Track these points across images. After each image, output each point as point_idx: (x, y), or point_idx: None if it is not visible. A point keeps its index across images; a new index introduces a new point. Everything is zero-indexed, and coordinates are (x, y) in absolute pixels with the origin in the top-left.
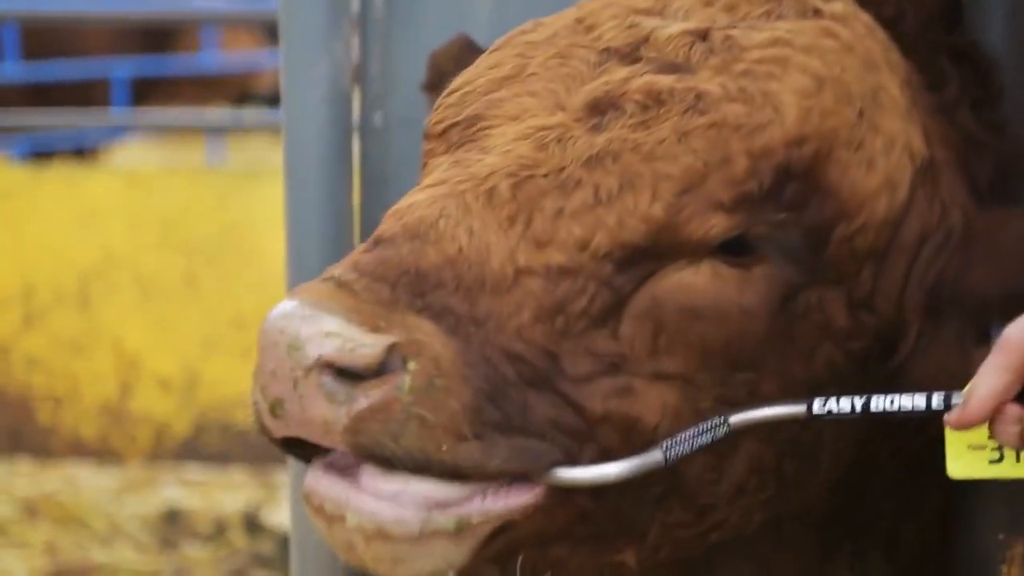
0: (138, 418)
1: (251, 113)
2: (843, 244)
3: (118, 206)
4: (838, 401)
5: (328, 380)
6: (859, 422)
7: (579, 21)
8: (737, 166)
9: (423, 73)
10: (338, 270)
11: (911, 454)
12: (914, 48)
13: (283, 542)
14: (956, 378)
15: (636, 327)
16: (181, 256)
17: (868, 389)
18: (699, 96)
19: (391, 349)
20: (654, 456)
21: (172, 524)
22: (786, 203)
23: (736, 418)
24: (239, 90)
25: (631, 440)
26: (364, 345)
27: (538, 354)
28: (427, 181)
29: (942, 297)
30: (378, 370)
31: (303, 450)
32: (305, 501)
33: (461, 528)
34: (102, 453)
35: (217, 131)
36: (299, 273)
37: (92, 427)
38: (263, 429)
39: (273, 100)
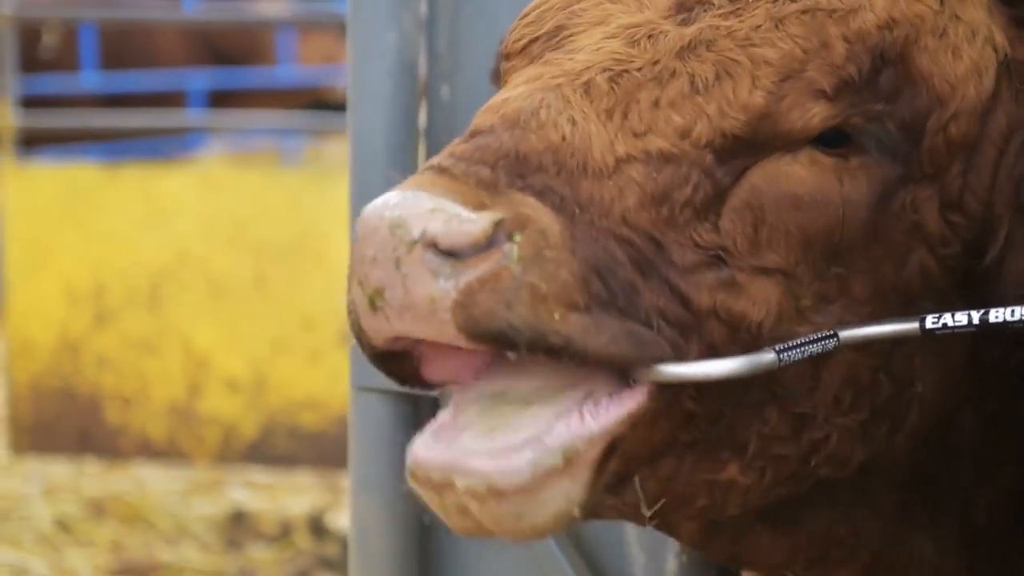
0: (206, 419)
1: (326, 115)
2: (938, 134)
3: (190, 206)
4: (953, 315)
5: (434, 257)
6: (952, 360)
7: None
8: (836, 51)
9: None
10: (435, 160)
11: (992, 417)
12: None
13: (347, 545)
14: None
15: (737, 220)
16: (252, 257)
17: (963, 301)
18: None
19: (497, 224)
20: (767, 357)
21: (238, 525)
22: (883, 92)
23: (846, 333)
24: (314, 101)
25: (737, 337)
26: (470, 220)
27: (644, 239)
28: (518, 80)
29: None
30: (483, 247)
31: (400, 367)
32: (410, 477)
33: (570, 458)
34: (170, 453)
35: (292, 140)
36: None
37: (160, 427)
38: (360, 335)
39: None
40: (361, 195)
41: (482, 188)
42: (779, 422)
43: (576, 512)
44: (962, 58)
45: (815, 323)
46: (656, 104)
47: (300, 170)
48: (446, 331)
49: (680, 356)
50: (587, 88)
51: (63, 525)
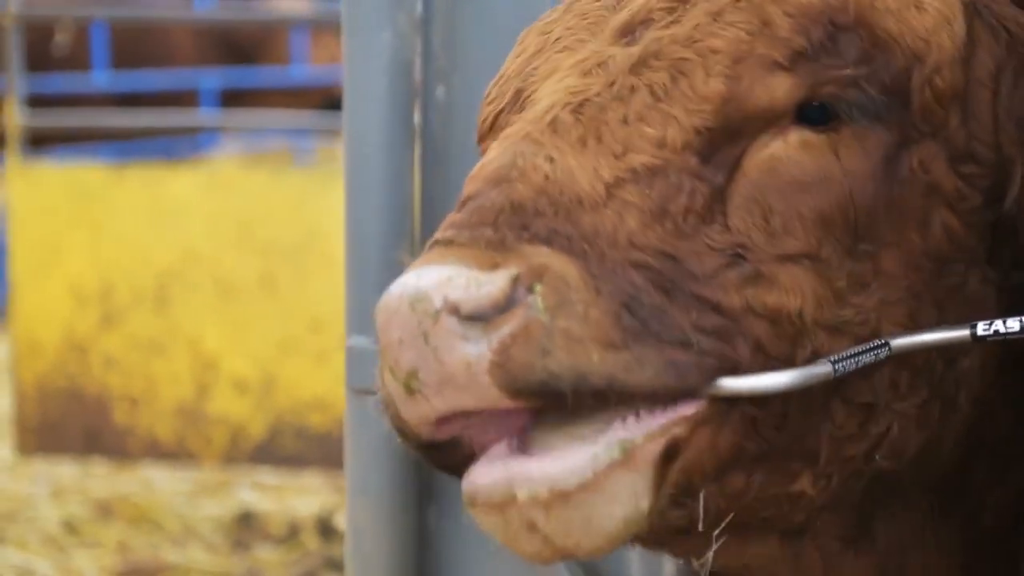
0: (214, 420)
1: (339, 115)
2: (924, 90)
3: (197, 206)
4: (1004, 322)
5: (459, 322)
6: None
7: None
8: (779, 26)
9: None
10: (437, 235)
11: (1017, 412)
12: None
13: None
14: None
15: (745, 214)
16: (259, 257)
17: (995, 262)
18: None
19: (515, 280)
20: (823, 368)
21: (245, 526)
22: (850, 58)
23: (898, 341)
24: (327, 100)
25: (780, 330)
26: (489, 282)
27: (658, 258)
28: (492, 147)
29: None
30: (505, 305)
31: (451, 456)
32: (469, 508)
33: (627, 451)
34: (177, 454)
35: (305, 139)
36: (358, 239)
37: (168, 428)
38: (402, 429)
39: None
40: (355, 195)
41: (491, 248)
42: (846, 418)
43: (645, 512)
44: (927, 10)
45: (855, 305)
46: (625, 121)
47: (308, 170)
48: (488, 395)
49: (726, 363)
50: (554, 127)
51: (70, 526)
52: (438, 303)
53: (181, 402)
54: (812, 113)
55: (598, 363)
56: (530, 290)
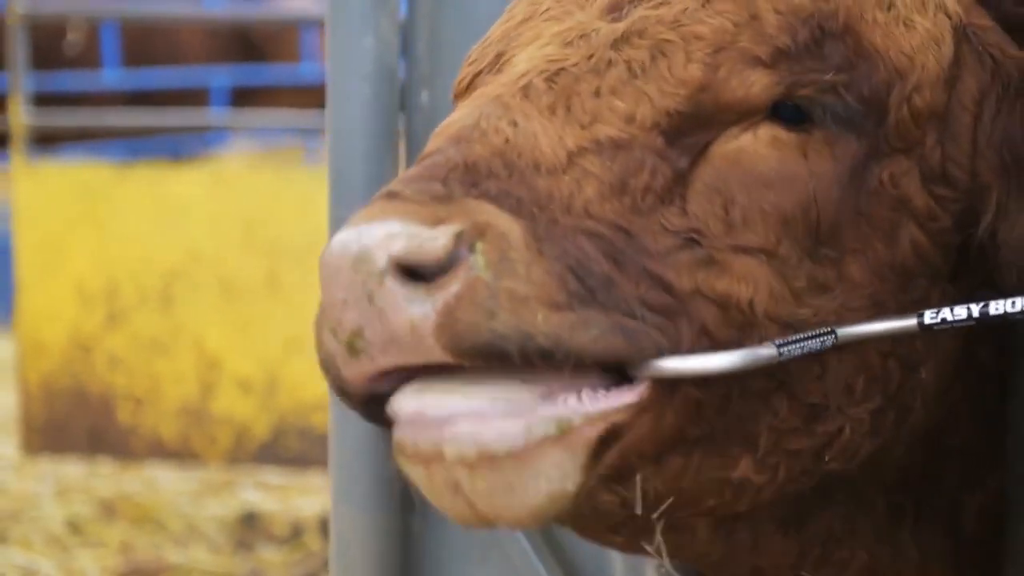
0: (218, 420)
1: None
2: (902, 107)
3: (202, 206)
4: (952, 310)
5: (404, 283)
6: (947, 348)
7: None
8: (767, 22)
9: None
10: (385, 188)
11: (985, 419)
12: None
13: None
14: None
15: (704, 201)
16: (264, 257)
17: (958, 280)
18: None
19: (458, 236)
20: (767, 350)
21: (249, 526)
22: (832, 63)
23: (844, 330)
24: None
25: (729, 316)
26: (431, 238)
27: (612, 230)
28: (462, 105)
29: (1017, 154)
30: (448, 262)
31: (382, 411)
32: (398, 453)
33: (564, 430)
34: (182, 454)
35: (316, 138)
36: None
37: (172, 428)
38: (341, 387)
39: None
40: (339, 200)
41: (436, 203)
42: (790, 413)
43: (572, 492)
44: (916, 29)
45: (814, 307)
46: (597, 94)
47: (313, 170)
48: (433, 354)
49: (672, 343)
50: (525, 92)
51: (74, 526)
52: (381, 263)
53: (185, 402)
54: (786, 112)
55: (543, 323)
56: (472, 248)
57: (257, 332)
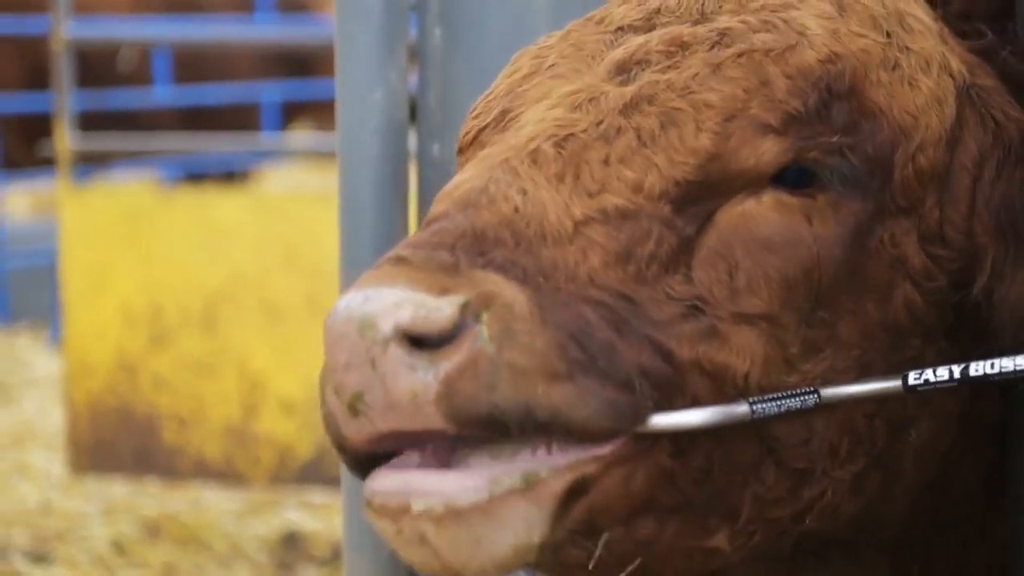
0: (262, 440)
1: None
2: (907, 166)
3: (245, 229)
4: (934, 371)
5: (407, 351)
6: (944, 408)
7: (590, 18)
8: (777, 87)
9: None
10: (393, 251)
11: (988, 473)
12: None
13: None
14: None
15: (709, 269)
16: (306, 279)
17: (955, 337)
18: (723, 33)
19: (464, 308)
20: (740, 408)
21: (291, 547)
22: (838, 125)
23: (828, 391)
24: None
25: (720, 390)
26: (437, 308)
27: (616, 298)
28: (468, 166)
29: (1014, 217)
30: (453, 332)
31: (377, 466)
32: (368, 508)
33: (530, 482)
34: (226, 474)
35: None
36: None
37: (216, 448)
38: (342, 445)
39: None
40: (350, 255)
41: (443, 272)
42: (776, 481)
43: (536, 544)
44: (920, 88)
45: (803, 372)
46: (606, 162)
47: None
48: (433, 422)
49: (663, 412)
50: (534, 157)
51: (119, 546)
52: (387, 330)
53: (229, 422)
54: (790, 175)
55: (543, 396)
56: (477, 318)
57: (299, 353)
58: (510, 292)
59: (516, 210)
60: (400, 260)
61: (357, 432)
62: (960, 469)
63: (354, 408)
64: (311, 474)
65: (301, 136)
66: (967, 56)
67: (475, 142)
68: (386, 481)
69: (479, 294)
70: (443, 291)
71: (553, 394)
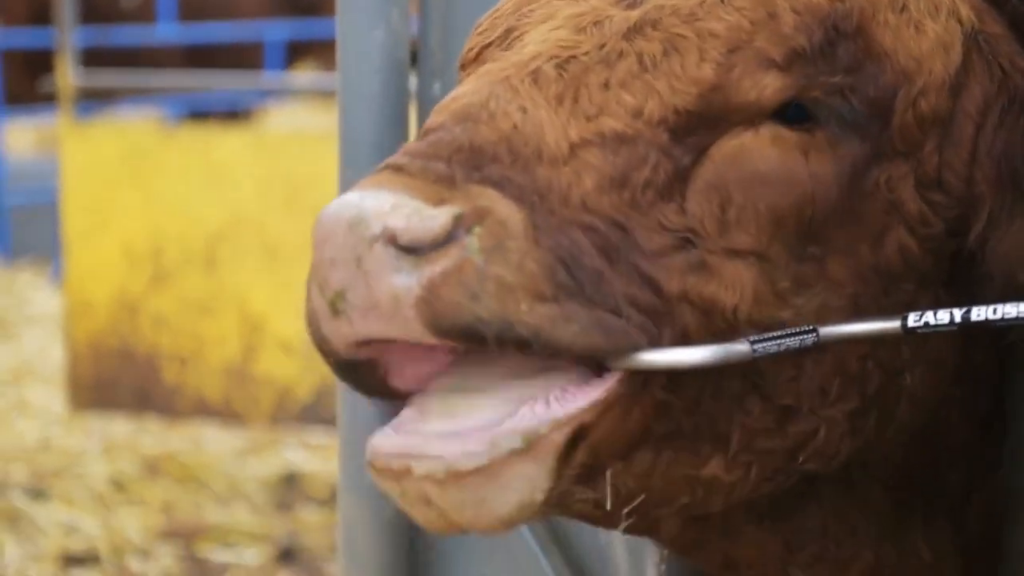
0: (261, 380)
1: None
2: (907, 111)
3: (247, 168)
4: (935, 313)
5: (394, 252)
6: (939, 355)
7: None
8: (784, 21)
9: None
10: (391, 159)
11: (984, 420)
12: None
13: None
14: None
15: (703, 201)
16: (307, 220)
17: (952, 286)
18: None
19: (457, 219)
20: (740, 347)
21: (290, 487)
22: (842, 65)
23: (826, 330)
24: None
25: (711, 323)
26: (431, 216)
27: (608, 225)
28: (469, 79)
29: (1014, 168)
30: (444, 241)
31: (366, 376)
32: (370, 469)
33: (530, 441)
34: (225, 414)
35: None
36: None
37: (216, 388)
38: (322, 345)
39: None
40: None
41: (439, 183)
42: (762, 413)
43: (541, 500)
44: (926, 33)
45: (795, 307)
46: (606, 86)
47: None
48: (412, 328)
49: (653, 343)
50: (535, 77)
51: (117, 483)
52: (376, 229)
53: (229, 362)
54: (791, 112)
55: (526, 313)
56: (469, 230)
57: (300, 294)
58: (505, 209)
59: (515, 127)
60: (399, 169)
61: (337, 332)
62: (954, 418)
63: (335, 307)
64: (310, 415)
65: (305, 75)
66: (977, 2)
67: (478, 59)
68: (387, 442)
69: (474, 208)
70: (439, 201)
71: (537, 312)
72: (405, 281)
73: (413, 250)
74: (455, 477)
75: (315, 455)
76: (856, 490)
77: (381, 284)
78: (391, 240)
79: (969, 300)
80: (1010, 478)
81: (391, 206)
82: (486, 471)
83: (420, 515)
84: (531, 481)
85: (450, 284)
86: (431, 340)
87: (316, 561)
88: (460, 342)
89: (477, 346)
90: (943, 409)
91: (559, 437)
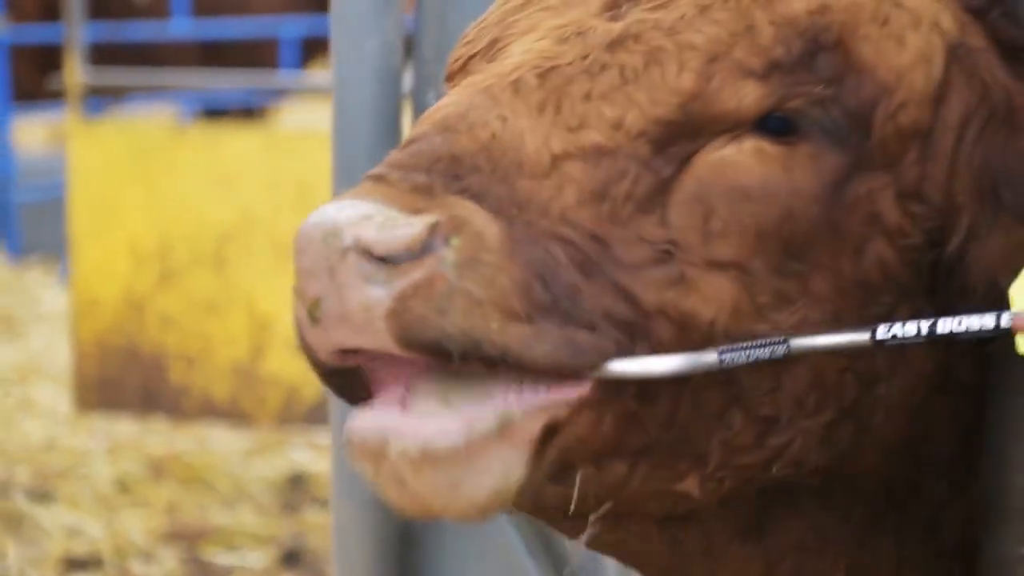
0: (269, 380)
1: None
2: (887, 123)
3: (256, 167)
4: (903, 325)
5: (367, 264)
6: (916, 367)
7: None
8: (762, 33)
9: None
10: (373, 170)
11: (967, 432)
12: None
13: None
14: (1019, 273)
15: (685, 212)
16: None
17: (926, 296)
18: None
19: (433, 228)
20: (708, 357)
21: (296, 488)
22: (822, 77)
23: (797, 341)
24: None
25: (687, 336)
26: (405, 225)
27: (586, 238)
28: (454, 90)
29: (994, 180)
30: (420, 252)
31: (351, 385)
32: (347, 448)
33: (505, 425)
34: (232, 415)
35: None
36: None
37: (223, 388)
38: (306, 352)
39: None
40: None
41: (417, 193)
42: (743, 428)
43: (514, 489)
44: (907, 45)
45: (774, 322)
46: (587, 97)
47: None
48: (382, 340)
49: (625, 356)
50: (516, 87)
51: (122, 484)
52: (348, 240)
53: (236, 362)
54: (772, 123)
55: (496, 332)
56: (446, 241)
57: None
58: (482, 221)
59: (493, 136)
60: (380, 179)
61: (317, 342)
62: (935, 427)
63: (313, 316)
64: (317, 415)
65: (320, 74)
66: (960, 14)
67: (463, 69)
68: (364, 421)
69: (451, 218)
70: (416, 211)
71: (507, 333)
72: (376, 293)
73: (388, 260)
74: (429, 459)
75: (322, 456)
76: (836, 501)
77: (352, 295)
78: (365, 251)
79: (951, 311)
80: (988, 484)
81: (364, 216)
82: (461, 453)
83: (395, 496)
84: (505, 467)
85: (420, 297)
86: (399, 352)
87: (320, 563)
88: (427, 356)
89: (445, 361)
90: (924, 419)
91: (533, 425)
